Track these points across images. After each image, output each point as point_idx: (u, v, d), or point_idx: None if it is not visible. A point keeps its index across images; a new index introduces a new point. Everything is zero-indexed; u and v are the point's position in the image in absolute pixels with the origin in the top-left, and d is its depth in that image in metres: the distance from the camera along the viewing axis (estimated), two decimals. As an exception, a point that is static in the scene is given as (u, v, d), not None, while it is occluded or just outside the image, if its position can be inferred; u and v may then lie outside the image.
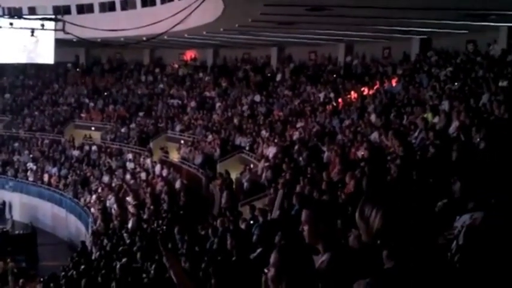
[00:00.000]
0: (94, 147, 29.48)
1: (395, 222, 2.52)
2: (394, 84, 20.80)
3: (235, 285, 4.65)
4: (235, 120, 24.84)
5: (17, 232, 25.62)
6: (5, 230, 25.24)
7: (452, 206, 4.76)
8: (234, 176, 20.19)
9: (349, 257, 3.66)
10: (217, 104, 27.59)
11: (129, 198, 23.14)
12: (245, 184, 18.84)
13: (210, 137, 24.30)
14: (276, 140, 20.42)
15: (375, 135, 15.96)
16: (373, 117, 17.96)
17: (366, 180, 9.50)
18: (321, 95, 23.24)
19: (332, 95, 22.76)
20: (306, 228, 3.65)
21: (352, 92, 22.22)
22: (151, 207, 21.37)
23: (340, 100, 21.99)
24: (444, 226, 4.21)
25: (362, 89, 21.99)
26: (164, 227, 17.51)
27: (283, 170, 16.50)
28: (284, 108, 23.89)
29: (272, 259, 3.11)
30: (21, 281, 19.19)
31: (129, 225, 20.72)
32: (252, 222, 11.96)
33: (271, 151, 19.56)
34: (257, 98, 26.28)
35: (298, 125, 20.98)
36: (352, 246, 4.85)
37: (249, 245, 7.96)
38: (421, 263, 2.46)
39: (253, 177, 18.87)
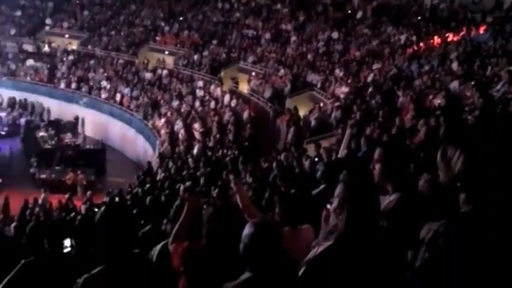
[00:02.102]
0: (166, 72, 29.77)
1: (478, 166, 2.40)
2: (481, 32, 19.67)
3: (298, 217, 4.57)
4: (310, 56, 24.36)
5: (87, 147, 26.60)
6: (77, 143, 26.27)
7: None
8: (302, 113, 19.96)
9: (418, 200, 3.54)
10: (293, 38, 27.03)
11: (196, 125, 23.42)
12: (313, 122, 18.58)
13: (282, 71, 23.99)
14: (349, 80, 19.94)
15: (454, 85, 15.31)
16: (454, 66, 17.18)
17: (444, 129, 9.14)
18: (402, 37, 22.33)
19: (414, 38, 21.83)
20: (377, 166, 3.58)
21: (436, 37, 21.21)
22: (217, 136, 21.58)
23: (421, 44, 21.07)
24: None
25: (446, 34, 20.93)
26: (236, 152, 17.63)
27: (353, 111, 16.14)
28: (361, 48, 23.16)
29: (337, 191, 3.07)
30: (89, 192, 20.09)
31: (194, 151, 21.07)
32: (316, 159, 11.83)
33: (343, 91, 19.16)
34: (334, 35, 25.54)
35: (375, 66, 20.37)
36: (422, 191, 4.64)
37: (311, 181, 7.85)
38: (500, 210, 2.33)
39: (321, 116, 18.58)
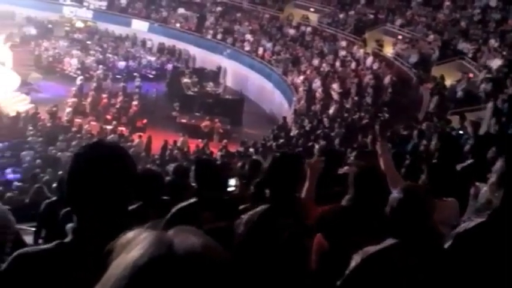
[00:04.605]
0: (309, 29, 29.57)
1: None
2: None
3: (444, 189, 4.36)
4: (463, 23, 22.90)
5: (227, 97, 27.42)
6: (217, 92, 27.18)
7: None
8: (448, 82, 18.97)
9: None
10: (446, 3, 25.50)
11: (334, 85, 23.17)
12: (459, 93, 17.61)
13: (431, 36, 22.84)
14: (504, 52, 18.54)
15: None
16: None
17: None
18: None
19: None
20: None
21: None
22: (355, 97, 21.22)
23: None
24: None
25: None
26: (386, 115, 17.22)
27: (506, 85, 15.04)
28: (522, 18, 21.36)
29: (496, 165, 2.91)
30: (224, 140, 20.77)
31: (330, 111, 20.92)
32: (460, 132, 11.27)
33: (496, 63, 17.88)
34: (492, 2, 23.73)
35: (534, 39, 18.75)
36: None
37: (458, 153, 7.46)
38: None
39: (469, 87, 17.53)
